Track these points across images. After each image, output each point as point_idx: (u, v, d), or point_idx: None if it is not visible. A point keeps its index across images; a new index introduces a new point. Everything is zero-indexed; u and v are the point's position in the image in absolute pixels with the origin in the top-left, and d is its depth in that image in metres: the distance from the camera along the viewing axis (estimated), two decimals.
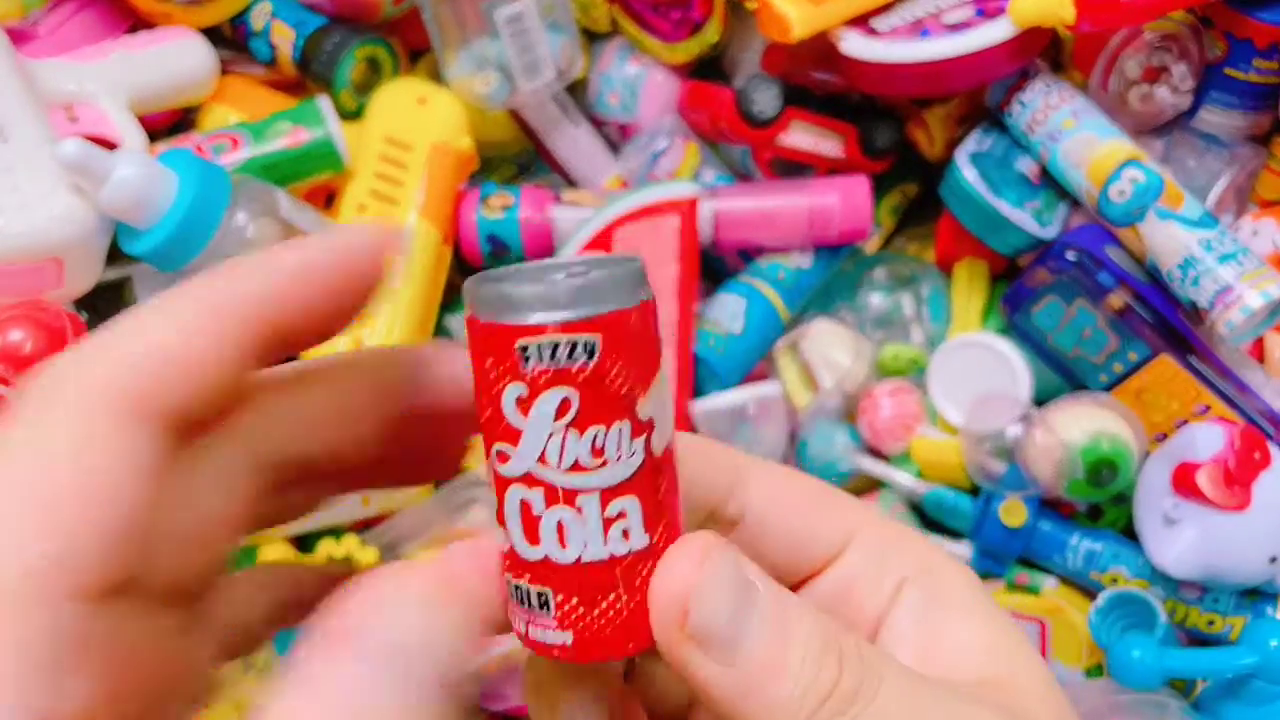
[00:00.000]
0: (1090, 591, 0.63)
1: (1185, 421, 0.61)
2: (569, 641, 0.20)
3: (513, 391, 0.19)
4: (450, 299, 0.69)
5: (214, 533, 0.22)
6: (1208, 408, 0.61)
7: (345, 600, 0.19)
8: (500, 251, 0.68)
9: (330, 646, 0.19)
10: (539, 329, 0.19)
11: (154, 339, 0.20)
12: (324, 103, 0.63)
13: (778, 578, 0.21)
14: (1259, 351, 0.65)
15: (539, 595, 0.20)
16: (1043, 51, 0.65)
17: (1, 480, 0.18)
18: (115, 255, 0.57)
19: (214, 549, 0.22)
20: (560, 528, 0.19)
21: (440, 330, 0.68)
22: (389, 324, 0.62)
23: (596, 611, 0.20)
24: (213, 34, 0.67)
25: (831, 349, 0.68)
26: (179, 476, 0.20)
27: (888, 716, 0.19)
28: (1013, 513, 0.63)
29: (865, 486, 0.69)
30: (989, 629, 0.23)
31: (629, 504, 0.20)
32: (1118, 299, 0.62)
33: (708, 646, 0.19)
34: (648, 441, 0.20)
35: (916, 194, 0.77)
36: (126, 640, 0.19)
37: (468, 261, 0.68)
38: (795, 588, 0.22)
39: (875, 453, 0.69)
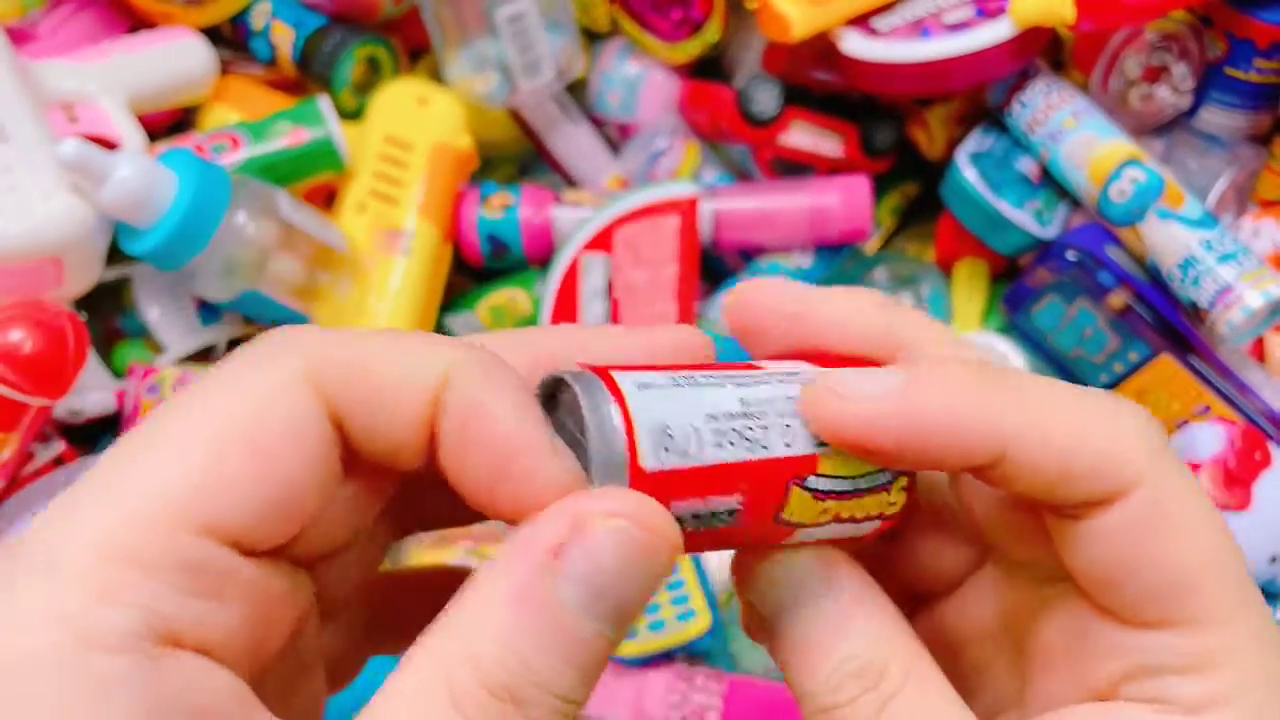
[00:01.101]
0: None
1: (1186, 421, 0.61)
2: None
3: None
4: (450, 299, 0.69)
5: (362, 531, 0.22)
6: (1208, 407, 0.61)
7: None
8: (500, 251, 0.68)
9: None
10: None
11: (378, 358, 0.19)
12: (324, 102, 0.63)
13: (1049, 504, 0.20)
14: (1259, 351, 0.65)
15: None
16: (1043, 51, 0.65)
17: (197, 407, 0.18)
18: (115, 255, 0.57)
19: (362, 550, 0.22)
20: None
21: (440, 330, 0.68)
22: (389, 323, 0.62)
23: None
24: (213, 34, 0.67)
25: None
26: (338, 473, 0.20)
27: None
28: None
29: None
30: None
31: None
32: (1118, 299, 0.62)
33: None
34: None
35: (917, 194, 0.77)
36: (267, 597, 0.19)
37: (468, 261, 0.68)
38: (1076, 514, 0.20)
39: None
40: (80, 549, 0.17)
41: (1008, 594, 0.23)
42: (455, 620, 0.18)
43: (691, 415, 0.19)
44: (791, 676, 0.21)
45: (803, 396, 0.20)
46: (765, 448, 0.20)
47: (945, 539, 0.24)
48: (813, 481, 0.20)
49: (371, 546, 0.23)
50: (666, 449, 0.19)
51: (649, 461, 0.18)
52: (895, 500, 0.22)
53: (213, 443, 0.18)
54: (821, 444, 0.20)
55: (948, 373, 0.20)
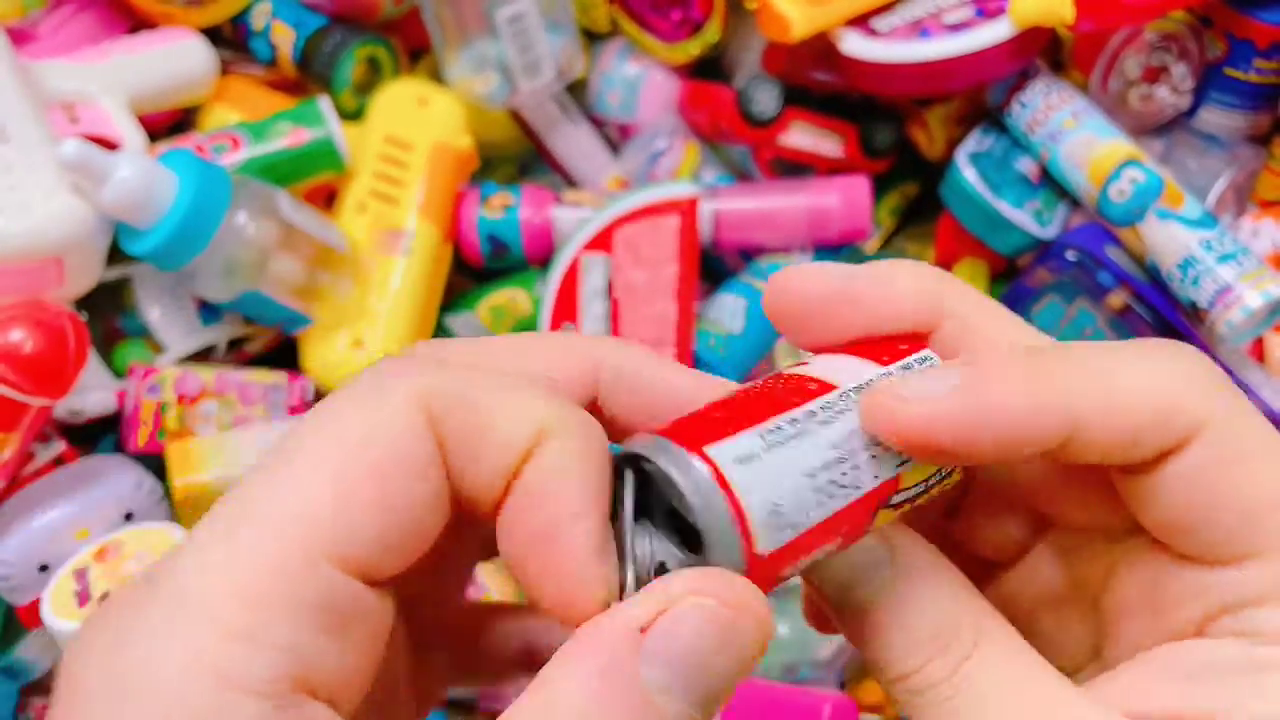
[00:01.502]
0: None
1: None
2: None
3: None
4: (451, 299, 0.69)
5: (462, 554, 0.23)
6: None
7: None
8: (500, 251, 0.68)
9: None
10: None
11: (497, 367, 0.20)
12: (324, 103, 0.63)
13: (1118, 465, 0.20)
14: (1259, 351, 0.65)
15: None
16: (1043, 51, 0.65)
17: (322, 434, 0.19)
18: (116, 255, 0.57)
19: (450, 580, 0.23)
20: None
21: (440, 330, 0.68)
22: (389, 323, 0.62)
23: None
24: (213, 34, 0.67)
25: None
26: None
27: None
28: None
29: None
30: None
31: None
32: (1118, 299, 0.62)
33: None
34: None
35: (916, 194, 0.77)
36: (382, 630, 0.19)
37: (468, 261, 0.69)
38: (1145, 469, 0.20)
39: None
40: (216, 586, 0.17)
41: (1075, 558, 0.23)
42: (542, 700, 0.17)
43: (794, 482, 0.19)
44: (866, 651, 0.21)
45: (864, 407, 0.20)
46: (859, 488, 0.20)
47: (1005, 511, 0.24)
48: (895, 498, 0.21)
49: (457, 577, 0.24)
50: (778, 528, 0.18)
51: (763, 547, 0.18)
52: (955, 478, 0.22)
53: (341, 473, 0.18)
54: (904, 461, 0.20)
55: (1007, 362, 0.20)
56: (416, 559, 0.19)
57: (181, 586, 0.17)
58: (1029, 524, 0.24)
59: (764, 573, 0.18)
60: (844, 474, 0.20)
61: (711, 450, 0.18)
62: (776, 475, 0.19)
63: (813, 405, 0.20)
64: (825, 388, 0.21)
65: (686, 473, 0.18)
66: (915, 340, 0.22)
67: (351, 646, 0.18)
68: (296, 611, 0.17)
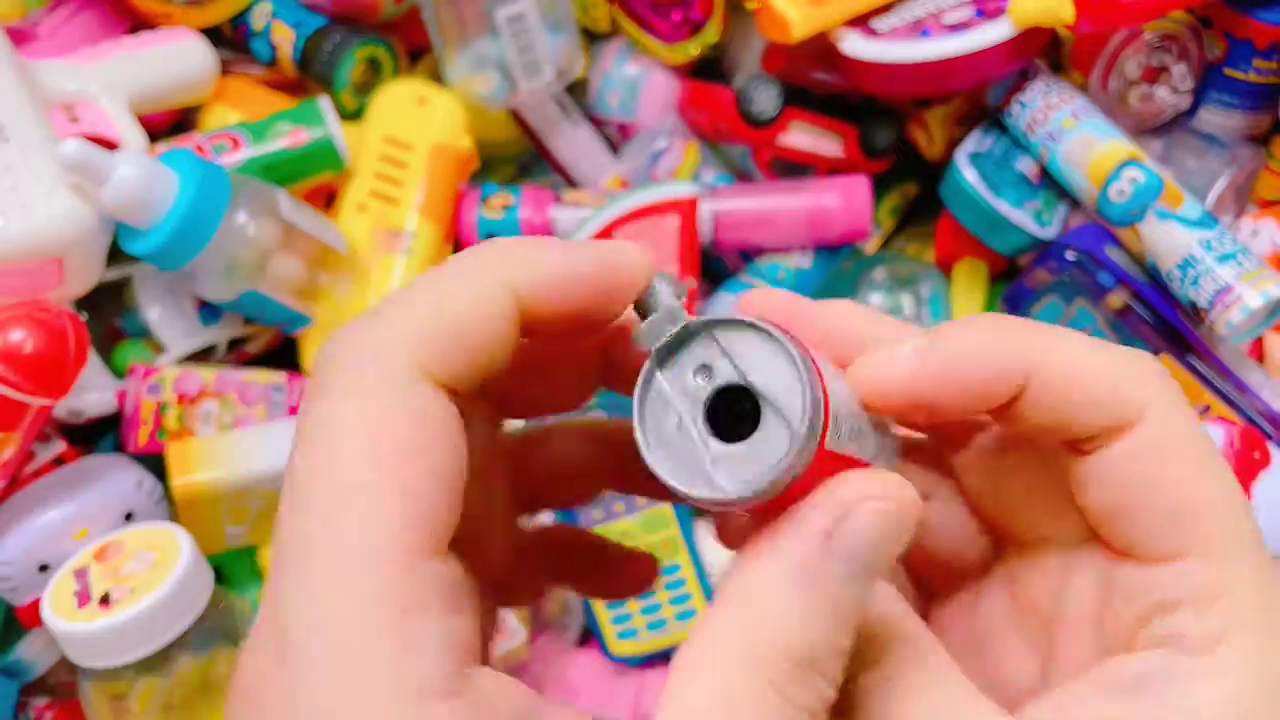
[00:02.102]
0: None
1: None
2: None
3: None
4: None
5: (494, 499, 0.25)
6: (1208, 408, 0.61)
7: None
8: None
9: None
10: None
11: (450, 311, 0.20)
12: (324, 103, 0.63)
13: (1066, 435, 0.22)
14: (1258, 351, 0.65)
15: None
16: (1042, 52, 0.65)
17: (340, 449, 0.19)
18: (116, 255, 0.57)
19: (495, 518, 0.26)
20: None
21: None
22: None
23: None
24: (213, 34, 0.67)
25: None
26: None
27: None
28: None
29: None
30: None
31: None
32: (1117, 299, 0.62)
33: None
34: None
35: (916, 194, 0.77)
36: (467, 590, 0.20)
37: None
38: (1090, 447, 0.22)
39: None
40: (355, 603, 0.18)
41: (1026, 582, 0.25)
42: (745, 597, 0.20)
43: (847, 408, 0.21)
44: None
45: (849, 371, 0.23)
46: (863, 446, 0.22)
47: (959, 533, 0.26)
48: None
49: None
50: (837, 435, 0.20)
51: (830, 444, 0.20)
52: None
53: (391, 472, 0.19)
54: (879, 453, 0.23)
55: (969, 322, 0.23)
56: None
57: (315, 605, 0.18)
58: (980, 549, 0.26)
59: (822, 468, 0.20)
60: (859, 427, 0.22)
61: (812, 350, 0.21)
62: (837, 395, 0.21)
63: (835, 368, 0.23)
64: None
65: (794, 353, 0.20)
66: None
67: (470, 615, 0.20)
68: (431, 608, 0.19)
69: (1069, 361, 0.21)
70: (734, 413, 0.20)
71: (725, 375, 0.20)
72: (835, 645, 0.20)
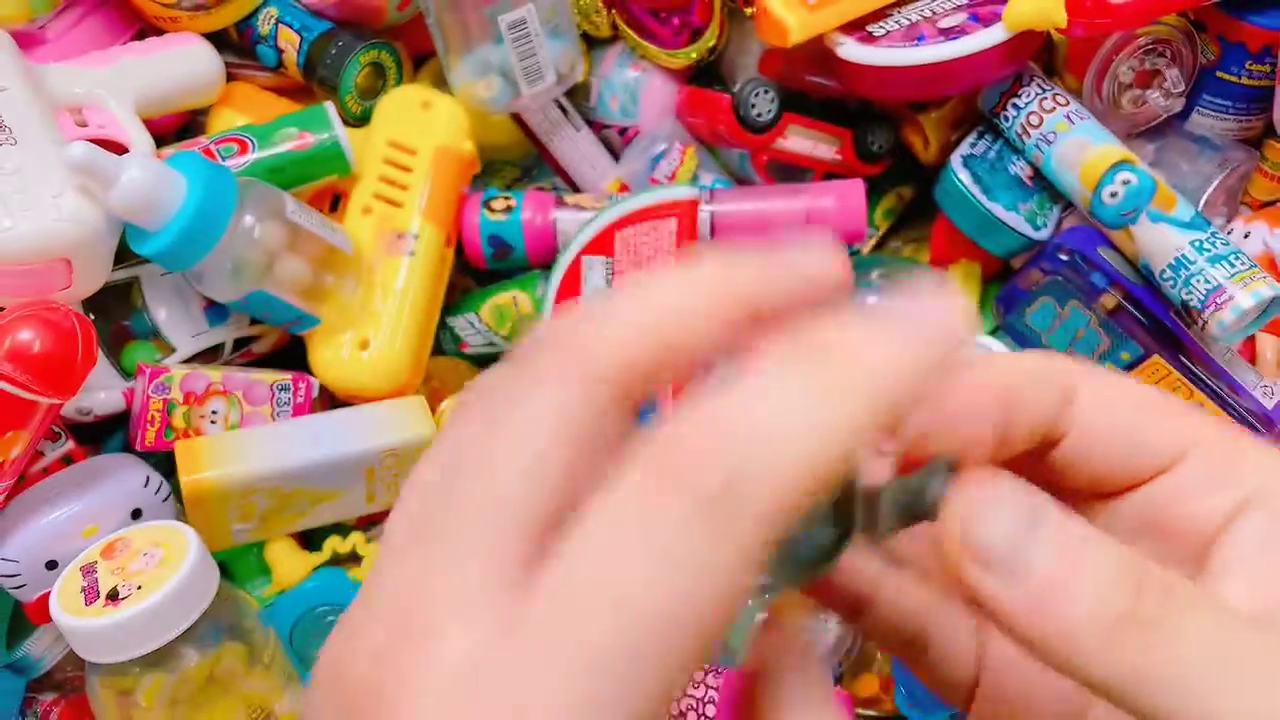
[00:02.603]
0: None
1: None
2: None
3: None
4: (454, 299, 0.70)
5: None
6: (1200, 407, 0.62)
7: None
8: (503, 253, 0.68)
9: None
10: None
11: (654, 321, 0.19)
12: (330, 108, 0.64)
13: (1101, 488, 0.21)
14: (1250, 351, 0.66)
15: None
16: (1036, 55, 0.66)
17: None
18: (123, 255, 0.58)
19: None
20: None
21: (442, 329, 0.69)
22: (393, 324, 0.63)
23: None
24: (219, 39, 0.68)
25: None
26: None
27: (1189, 654, 0.18)
28: None
29: None
30: None
31: None
32: (1110, 300, 0.62)
33: (988, 565, 0.19)
34: None
35: (911, 197, 0.77)
36: None
37: (471, 263, 0.69)
38: (1117, 498, 0.21)
39: None
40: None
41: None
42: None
43: None
44: None
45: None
46: None
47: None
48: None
49: None
50: None
51: None
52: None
53: None
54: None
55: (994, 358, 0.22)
56: None
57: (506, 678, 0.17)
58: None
59: None
60: None
61: None
62: None
63: None
64: None
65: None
66: None
67: None
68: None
69: (1119, 389, 0.22)
70: None
71: None
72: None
